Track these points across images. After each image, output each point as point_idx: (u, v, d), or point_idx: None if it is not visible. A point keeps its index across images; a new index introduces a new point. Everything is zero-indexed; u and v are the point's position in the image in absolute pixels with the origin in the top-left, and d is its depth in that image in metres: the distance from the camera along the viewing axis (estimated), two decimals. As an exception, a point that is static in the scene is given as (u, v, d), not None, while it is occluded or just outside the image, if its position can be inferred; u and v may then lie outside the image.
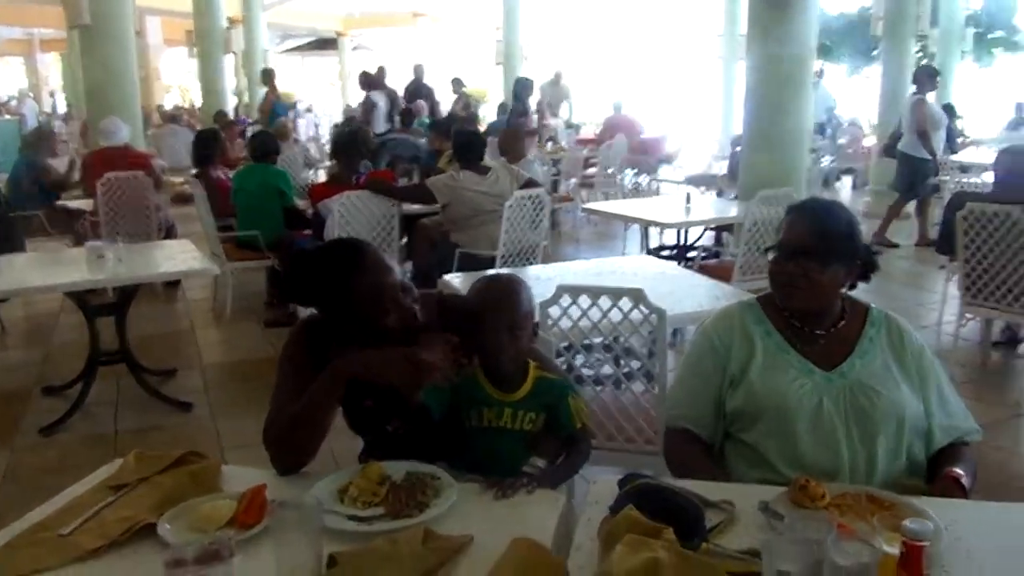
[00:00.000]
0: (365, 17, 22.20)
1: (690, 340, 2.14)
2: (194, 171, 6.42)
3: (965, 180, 6.61)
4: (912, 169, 7.85)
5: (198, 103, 16.00)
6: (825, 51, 15.18)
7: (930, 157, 7.78)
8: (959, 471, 1.70)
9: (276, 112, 11.59)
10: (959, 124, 13.00)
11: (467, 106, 12.78)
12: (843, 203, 1.99)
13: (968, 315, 4.72)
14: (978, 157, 9.16)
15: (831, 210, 1.90)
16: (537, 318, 2.36)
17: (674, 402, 1.99)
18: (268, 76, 12.35)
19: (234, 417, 4.07)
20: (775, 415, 1.80)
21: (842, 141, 12.55)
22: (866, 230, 8.18)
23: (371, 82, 10.43)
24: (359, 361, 1.77)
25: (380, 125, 9.79)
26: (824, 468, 1.71)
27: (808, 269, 1.80)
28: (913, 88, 8.09)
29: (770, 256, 1.88)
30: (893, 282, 6.64)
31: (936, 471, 1.78)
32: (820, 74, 14.42)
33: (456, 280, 3.51)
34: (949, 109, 11.47)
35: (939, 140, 7.93)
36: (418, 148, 7.66)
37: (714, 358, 1.91)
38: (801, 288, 1.82)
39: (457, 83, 13.17)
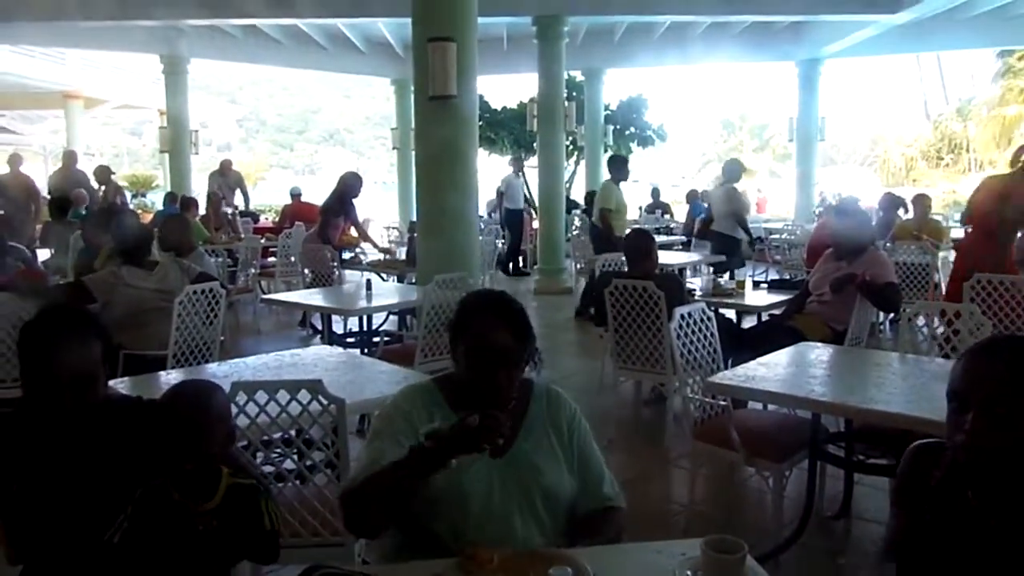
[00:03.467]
0: (3, 96, 19.78)
1: (376, 415, 2.15)
2: None
3: (613, 258, 7.41)
4: (727, 247, 8.55)
5: None
6: (490, 143, 16.39)
7: (743, 236, 8.64)
8: None
9: None
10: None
11: (116, 194, 11.83)
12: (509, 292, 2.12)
13: (621, 378, 5.29)
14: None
15: (514, 310, 1.97)
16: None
17: (357, 470, 1.94)
18: None
19: None
20: (450, 498, 1.87)
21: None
22: (537, 306, 8.98)
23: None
24: None
25: None
26: (497, 542, 1.79)
27: (511, 375, 1.91)
28: (721, 179, 8.86)
29: (468, 362, 1.92)
30: (562, 354, 7.27)
31: (590, 523, 1.97)
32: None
33: (121, 385, 3.25)
34: (594, 196, 12.92)
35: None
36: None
37: (403, 423, 1.93)
38: (504, 388, 1.91)
39: (104, 171, 12.05)
